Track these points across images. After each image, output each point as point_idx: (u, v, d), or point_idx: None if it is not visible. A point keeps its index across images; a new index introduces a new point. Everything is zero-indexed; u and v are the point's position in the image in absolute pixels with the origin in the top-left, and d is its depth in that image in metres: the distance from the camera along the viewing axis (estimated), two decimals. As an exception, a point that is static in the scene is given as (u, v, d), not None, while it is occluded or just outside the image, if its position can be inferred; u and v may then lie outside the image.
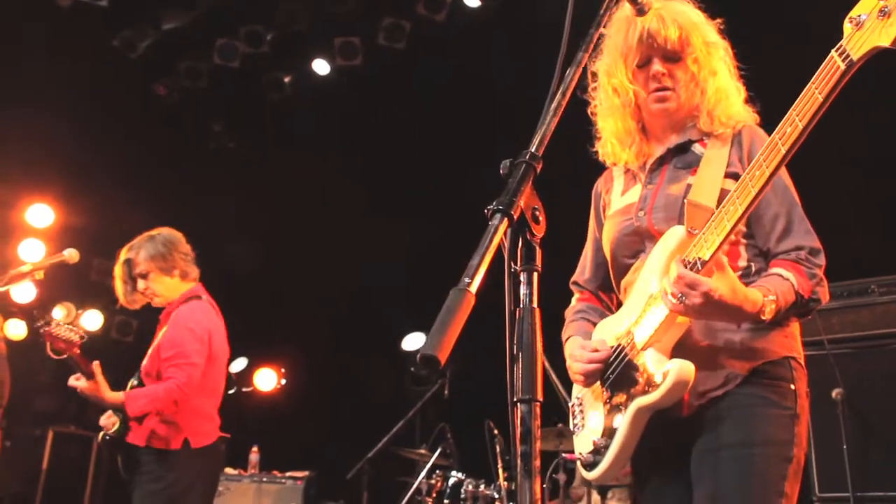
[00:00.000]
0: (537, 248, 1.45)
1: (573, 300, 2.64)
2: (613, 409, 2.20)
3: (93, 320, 9.05)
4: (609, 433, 2.20)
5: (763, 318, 2.01)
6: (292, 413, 8.81)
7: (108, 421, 3.98)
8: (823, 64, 1.75)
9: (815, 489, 4.38)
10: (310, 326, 8.55)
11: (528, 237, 1.44)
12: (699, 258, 1.96)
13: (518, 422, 1.29)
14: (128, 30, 7.68)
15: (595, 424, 2.28)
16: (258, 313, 7.93)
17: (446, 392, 6.10)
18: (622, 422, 2.15)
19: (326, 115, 8.12)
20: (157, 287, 4.15)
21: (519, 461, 1.24)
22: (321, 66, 8.05)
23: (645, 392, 2.09)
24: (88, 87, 7.68)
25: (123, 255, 4.22)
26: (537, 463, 1.28)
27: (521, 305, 1.40)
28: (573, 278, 2.66)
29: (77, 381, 3.86)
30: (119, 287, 4.23)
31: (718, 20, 2.37)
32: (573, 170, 2.81)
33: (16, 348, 5.96)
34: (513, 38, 6.93)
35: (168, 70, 8.26)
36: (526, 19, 6.82)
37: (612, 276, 2.45)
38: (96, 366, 3.85)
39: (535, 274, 1.43)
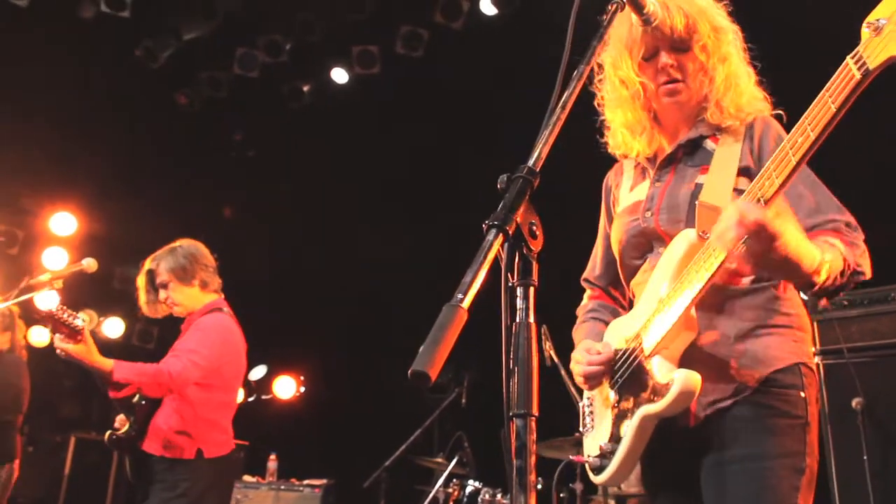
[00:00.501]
0: (534, 262, 1.45)
1: (585, 297, 2.61)
2: (621, 414, 2.19)
3: (114, 328, 9.16)
4: (615, 438, 2.19)
5: (817, 280, 1.89)
6: (311, 421, 8.87)
7: (121, 422, 4.08)
8: (838, 71, 1.66)
9: (836, 500, 4.32)
10: (329, 335, 8.59)
11: (525, 252, 1.45)
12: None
13: (513, 437, 1.30)
14: (149, 40, 7.77)
15: (603, 428, 2.27)
16: (278, 321, 7.98)
17: (464, 400, 6.10)
18: (628, 428, 2.14)
19: (345, 124, 8.16)
20: (178, 296, 4.22)
21: (514, 476, 1.25)
22: (339, 75, 8.10)
23: (651, 400, 2.07)
24: (111, 97, 7.79)
25: (146, 265, 4.31)
26: (532, 478, 1.29)
27: (518, 320, 1.40)
28: (584, 275, 2.63)
29: (62, 343, 3.66)
30: (142, 296, 4.32)
31: (725, 2, 2.30)
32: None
33: (39, 355, 6.06)
34: (530, 46, 6.93)
35: (189, 80, 8.35)
36: (543, 27, 6.82)
37: (621, 275, 2.42)
38: (84, 321, 3.71)
39: (532, 288, 1.44)
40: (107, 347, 9.16)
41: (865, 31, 1.63)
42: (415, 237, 8.09)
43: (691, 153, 2.26)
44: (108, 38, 7.65)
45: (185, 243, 4.34)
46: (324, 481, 6.62)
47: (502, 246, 1.39)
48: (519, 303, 1.43)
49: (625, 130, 2.35)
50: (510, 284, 1.44)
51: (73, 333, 3.65)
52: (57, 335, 3.69)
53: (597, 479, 2.28)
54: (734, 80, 2.22)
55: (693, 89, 2.23)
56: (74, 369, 9.79)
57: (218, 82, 8.27)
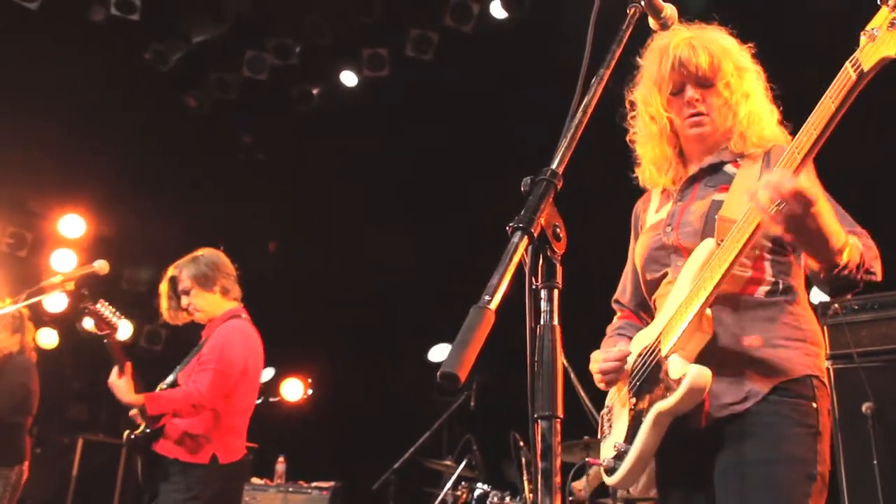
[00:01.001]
0: (558, 265, 1.46)
1: (615, 318, 2.69)
2: (637, 414, 2.23)
3: (122, 330, 9.17)
4: (630, 438, 2.23)
5: (839, 260, 1.98)
6: (319, 423, 8.89)
7: (135, 414, 4.11)
8: (838, 75, 1.84)
9: (845, 504, 4.32)
10: (337, 337, 8.61)
11: (549, 254, 1.45)
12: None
13: (539, 438, 1.30)
14: (159, 43, 7.81)
15: (619, 430, 2.31)
16: (285, 323, 8.00)
17: (472, 403, 6.10)
18: (642, 427, 2.18)
19: (354, 127, 8.18)
20: (199, 302, 4.31)
21: (539, 478, 1.25)
22: (349, 78, 8.12)
23: (664, 397, 2.11)
24: (120, 100, 7.82)
25: (169, 272, 4.41)
26: (558, 479, 1.29)
27: (542, 322, 1.41)
28: (615, 297, 2.71)
29: (114, 378, 3.96)
30: (164, 303, 4.43)
31: (750, 45, 2.42)
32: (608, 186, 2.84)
33: (48, 357, 6.08)
34: (539, 50, 6.95)
35: (198, 82, 8.38)
36: (553, 30, 6.84)
37: (643, 290, 2.49)
38: (128, 366, 3.97)
39: (556, 291, 1.45)
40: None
41: (863, 39, 1.81)
42: (424, 239, 8.11)
43: (712, 175, 2.37)
44: (117, 41, 7.69)
45: (207, 252, 4.45)
46: (332, 484, 6.63)
47: (526, 249, 1.40)
48: (543, 305, 1.43)
49: (652, 168, 2.49)
50: (534, 287, 1.45)
51: (110, 328, 3.93)
52: (114, 371, 3.97)
53: (610, 480, 2.32)
54: (757, 116, 2.34)
55: (717, 122, 2.35)
56: (82, 372, 9.84)
57: (227, 85, 8.30)
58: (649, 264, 2.41)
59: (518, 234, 1.38)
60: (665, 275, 2.36)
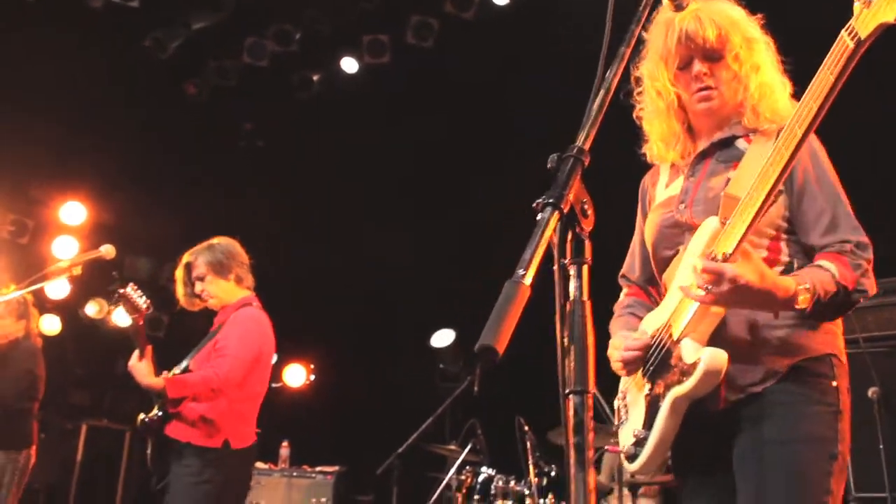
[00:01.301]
0: (586, 241, 1.45)
1: (622, 295, 2.65)
2: (653, 400, 2.21)
3: (124, 316, 9.15)
4: (648, 424, 2.21)
5: (798, 307, 1.99)
6: (322, 408, 8.88)
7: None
8: (834, 45, 1.78)
9: (851, 489, 4.33)
10: (339, 322, 8.58)
11: (578, 231, 1.44)
12: (725, 252, 1.95)
13: (571, 413, 1.29)
14: (158, 30, 7.76)
15: (637, 416, 2.29)
16: (287, 308, 7.98)
17: (476, 388, 6.09)
18: (660, 412, 2.15)
19: (354, 113, 8.14)
20: (213, 289, 4.35)
21: (572, 452, 1.25)
22: (349, 65, 8.08)
23: (680, 382, 2.09)
24: (120, 87, 7.78)
25: (185, 258, 4.43)
26: (591, 453, 1.28)
27: (571, 298, 1.40)
28: (622, 272, 2.68)
29: (135, 361, 3.99)
30: (179, 289, 4.46)
31: (759, 16, 2.36)
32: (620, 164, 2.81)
33: (51, 344, 6.10)
34: (541, 37, 6.92)
35: (198, 69, 8.33)
36: (554, 17, 6.81)
37: (654, 269, 2.45)
38: (149, 349, 4.01)
39: (585, 266, 1.44)
40: (117, 334, 9.16)
41: (857, 6, 1.74)
42: (424, 225, 8.09)
43: (723, 151, 2.31)
44: (116, 29, 7.64)
45: (222, 240, 4.48)
46: (336, 468, 6.64)
47: (555, 226, 1.39)
48: (572, 281, 1.42)
49: (660, 143, 2.44)
50: (562, 263, 1.44)
51: (138, 312, 4.00)
52: (135, 354, 4.02)
53: (631, 467, 2.29)
54: (768, 88, 2.28)
55: (726, 96, 2.29)
56: (85, 358, 9.80)
57: (227, 71, 8.25)
58: (661, 242, 2.37)
59: (548, 209, 1.37)
60: (677, 253, 2.31)
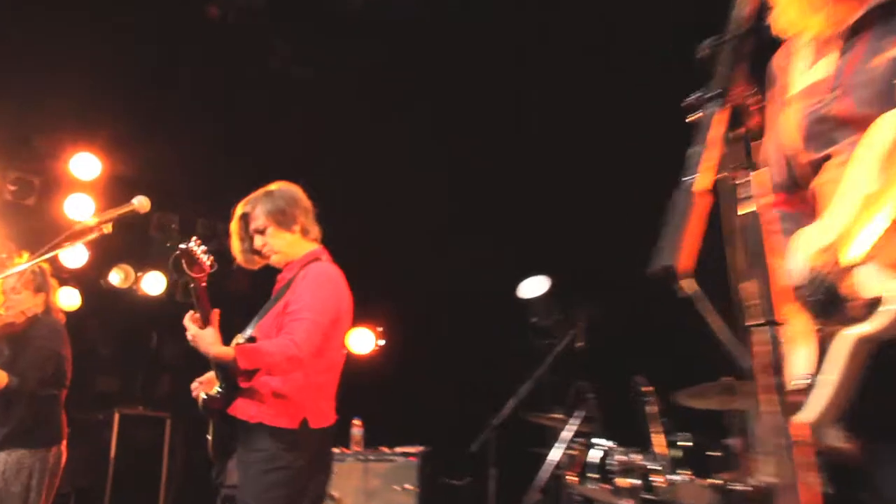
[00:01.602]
0: (751, 141, 1.45)
1: (753, 206, 2.54)
2: (823, 339, 2.16)
3: (155, 283, 9.35)
4: (817, 371, 2.17)
5: None
6: (396, 379, 8.93)
7: (196, 387, 4.19)
8: None
9: None
10: (409, 277, 8.60)
11: (744, 131, 1.44)
12: None
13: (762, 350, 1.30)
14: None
15: (800, 360, 2.25)
16: (347, 265, 8.04)
17: (579, 343, 6.08)
18: (835, 357, 2.10)
19: (399, 34, 8.01)
20: (276, 243, 4.35)
21: (776, 395, 1.26)
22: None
23: (860, 319, 2.01)
24: (133, 15, 7.80)
25: (239, 209, 4.43)
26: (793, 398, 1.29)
27: (746, 211, 1.40)
28: None
29: (191, 323, 3.93)
30: (235, 244, 4.46)
31: None
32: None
33: (69, 320, 6.06)
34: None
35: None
36: None
37: (796, 174, 2.35)
38: (215, 314, 3.95)
39: (755, 173, 1.43)
40: (147, 305, 9.36)
41: None
42: (502, 165, 8.07)
43: (888, 19, 2.14)
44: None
45: (282, 185, 4.47)
46: (420, 448, 6.65)
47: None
48: (742, 192, 1.42)
49: (795, 4, 2.25)
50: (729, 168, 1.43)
51: (202, 271, 3.86)
52: (191, 319, 3.95)
53: (802, 418, 2.25)
54: None
55: None
56: (109, 336, 10.05)
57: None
58: (808, 142, 2.25)
59: (715, 102, 1.36)
60: (828, 156, 2.20)
